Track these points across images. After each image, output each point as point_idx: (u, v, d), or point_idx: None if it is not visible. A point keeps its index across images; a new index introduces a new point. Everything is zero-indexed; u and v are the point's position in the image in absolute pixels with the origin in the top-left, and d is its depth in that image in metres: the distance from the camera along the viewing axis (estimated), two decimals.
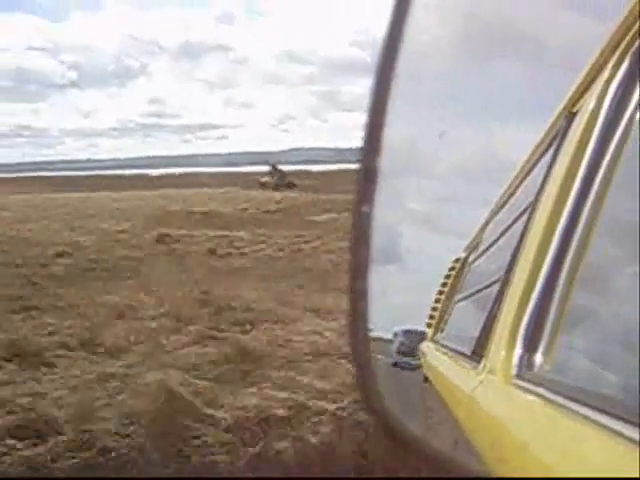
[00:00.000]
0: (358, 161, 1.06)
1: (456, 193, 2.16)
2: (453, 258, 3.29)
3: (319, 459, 6.70)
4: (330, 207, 29.60)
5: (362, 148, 1.07)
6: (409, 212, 1.83)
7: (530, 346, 1.30)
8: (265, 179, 51.44)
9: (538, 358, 1.27)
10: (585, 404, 0.95)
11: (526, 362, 1.29)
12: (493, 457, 1.19)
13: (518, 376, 1.30)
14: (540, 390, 1.15)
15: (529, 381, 1.24)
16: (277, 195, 40.37)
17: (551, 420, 1.06)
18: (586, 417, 0.92)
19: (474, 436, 1.39)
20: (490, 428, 1.32)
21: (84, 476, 6.56)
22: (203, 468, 6.67)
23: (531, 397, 1.17)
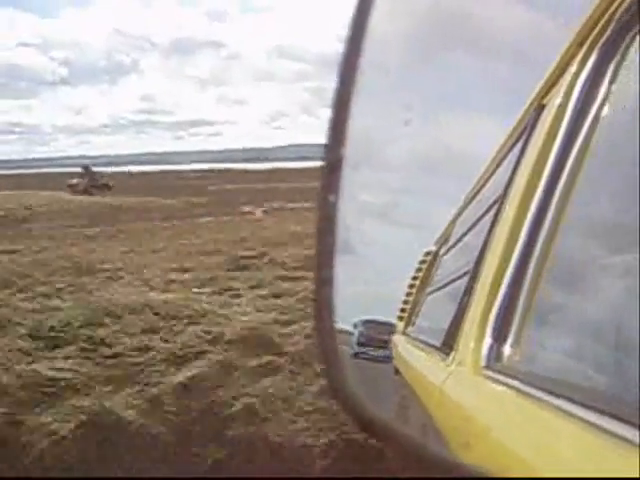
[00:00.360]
0: (324, 151, 1.07)
1: (413, 185, 2.17)
2: (424, 251, 3.30)
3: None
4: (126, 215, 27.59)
5: (327, 138, 1.08)
6: (364, 204, 1.83)
7: (499, 337, 1.31)
8: (74, 181, 49.32)
9: (507, 349, 1.28)
10: (554, 394, 0.96)
11: (495, 353, 1.30)
12: (461, 447, 1.19)
13: (487, 367, 1.31)
14: (509, 380, 1.16)
15: (498, 372, 1.25)
16: (80, 198, 39.38)
17: (520, 410, 1.07)
18: (555, 407, 0.92)
19: (443, 427, 1.40)
20: (459, 418, 1.33)
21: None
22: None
23: (500, 387, 1.18)
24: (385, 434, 1.13)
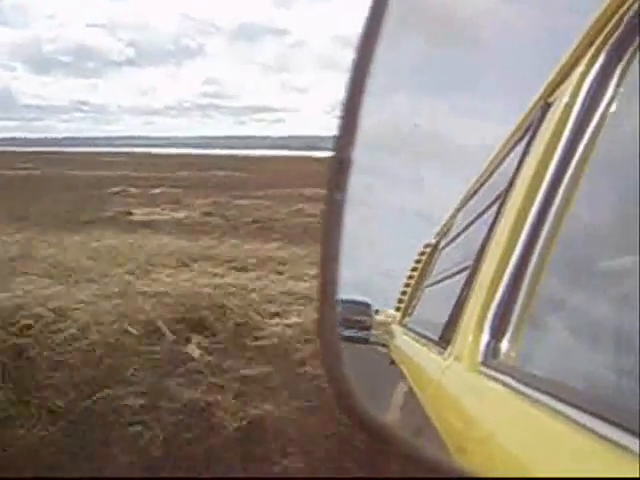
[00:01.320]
0: (332, 150, 1.07)
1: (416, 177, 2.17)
2: (423, 243, 3.30)
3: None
4: None
5: (336, 138, 1.08)
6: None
7: (497, 334, 1.31)
8: None
9: (504, 346, 1.28)
10: (549, 394, 0.96)
11: (492, 349, 1.30)
12: (455, 445, 1.20)
13: (484, 363, 1.31)
14: (505, 378, 1.16)
15: (495, 369, 1.25)
16: None
17: (514, 409, 1.07)
18: (549, 408, 0.93)
19: (438, 421, 1.41)
20: (454, 414, 1.34)
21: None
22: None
23: (496, 385, 1.18)
24: (383, 436, 1.13)
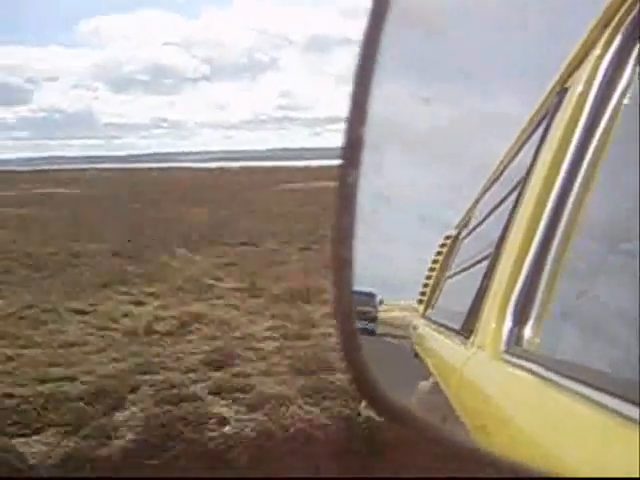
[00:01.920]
0: (345, 129, 1.05)
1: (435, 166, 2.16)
2: (444, 234, 3.28)
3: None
4: None
5: (348, 116, 1.07)
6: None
7: (519, 321, 1.30)
8: None
9: (527, 333, 1.27)
10: (574, 379, 0.95)
11: (515, 337, 1.30)
12: (479, 430, 1.19)
13: (507, 351, 1.30)
14: (529, 365, 1.15)
15: (518, 356, 1.24)
16: None
17: (539, 395, 1.07)
18: (575, 392, 0.92)
19: (462, 410, 1.40)
20: (478, 402, 1.33)
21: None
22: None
23: (519, 372, 1.17)
24: (403, 418, 1.12)
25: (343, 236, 1.07)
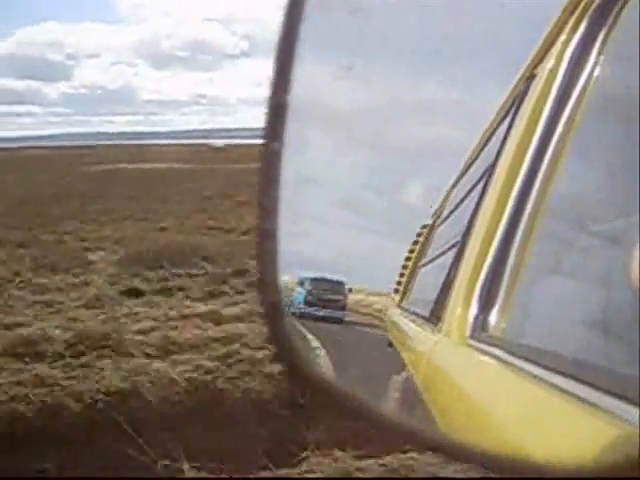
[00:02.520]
0: (268, 97, 1.03)
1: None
2: (420, 224, 3.29)
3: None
4: None
5: (272, 83, 1.04)
6: None
7: (485, 307, 1.30)
8: None
9: (493, 318, 1.27)
10: (537, 364, 0.95)
11: (480, 323, 1.30)
12: (445, 418, 1.19)
13: (472, 336, 1.30)
14: (494, 350, 1.15)
15: (483, 341, 1.24)
16: None
17: (502, 380, 1.06)
18: (537, 377, 0.91)
19: (429, 398, 1.40)
20: (443, 389, 1.33)
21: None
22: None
23: (484, 357, 1.17)
24: (325, 390, 1.11)
25: (268, 207, 1.05)
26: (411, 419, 1.18)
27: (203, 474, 6.50)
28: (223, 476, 6.47)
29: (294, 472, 6.37)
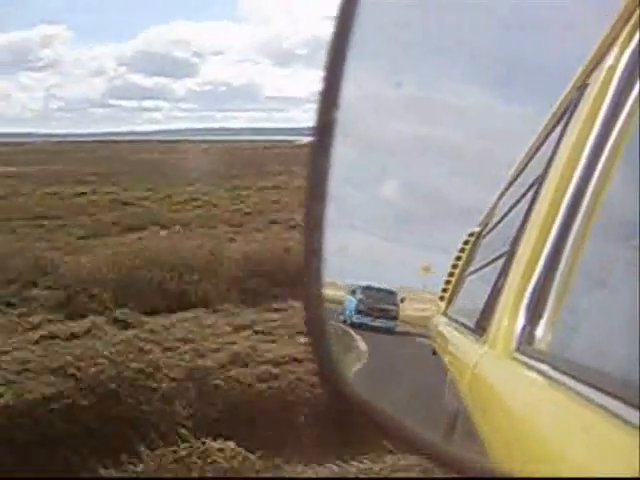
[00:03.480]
0: (316, 114, 1.02)
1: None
2: (467, 231, 3.27)
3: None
4: None
5: (320, 100, 1.04)
6: None
7: (532, 319, 1.28)
8: None
9: (540, 332, 1.25)
10: (583, 382, 0.93)
11: (527, 336, 1.28)
12: (488, 432, 1.18)
13: (518, 349, 1.28)
14: (539, 365, 1.13)
15: (529, 355, 1.22)
16: None
17: (546, 397, 1.05)
18: (582, 395, 0.90)
19: (473, 411, 1.39)
20: (487, 403, 1.32)
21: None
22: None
23: (529, 372, 1.15)
24: (365, 411, 1.10)
25: (313, 225, 1.05)
26: (452, 439, 1.16)
27: None
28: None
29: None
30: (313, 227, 1.03)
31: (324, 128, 1.03)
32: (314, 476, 6.43)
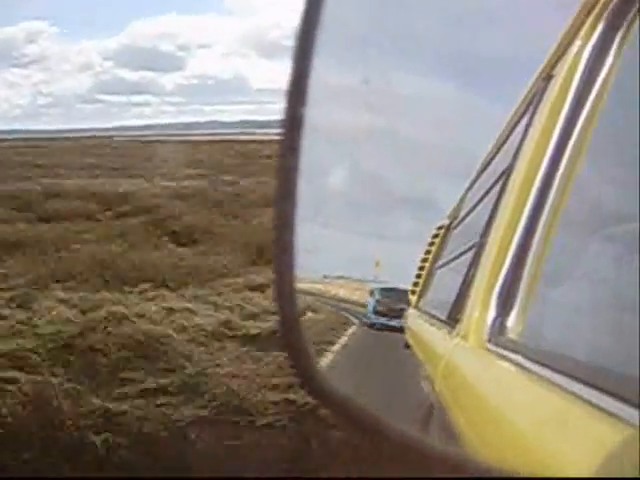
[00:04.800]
0: (283, 110, 1.02)
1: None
2: (436, 225, 3.28)
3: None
4: None
5: (287, 95, 1.03)
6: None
7: (503, 311, 1.29)
8: None
9: (511, 322, 1.26)
10: (555, 370, 0.94)
11: (498, 326, 1.29)
12: (462, 423, 1.19)
13: (490, 340, 1.29)
14: (511, 354, 1.14)
15: (501, 345, 1.23)
16: None
17: (520, 385, 1.06)
18: (555, 384, 0.91)
19: (446, 401, 1.39)
20: (460, 393, 1.32)
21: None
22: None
23: (502, 361, 1.16)
24: (341, 407, 1.10)
25: (284, 222, 1.04)
26: (427, 432, 1.17)
27: None
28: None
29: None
30: (284, 225, 1.03)
31: (292, 125, 1.03)
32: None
